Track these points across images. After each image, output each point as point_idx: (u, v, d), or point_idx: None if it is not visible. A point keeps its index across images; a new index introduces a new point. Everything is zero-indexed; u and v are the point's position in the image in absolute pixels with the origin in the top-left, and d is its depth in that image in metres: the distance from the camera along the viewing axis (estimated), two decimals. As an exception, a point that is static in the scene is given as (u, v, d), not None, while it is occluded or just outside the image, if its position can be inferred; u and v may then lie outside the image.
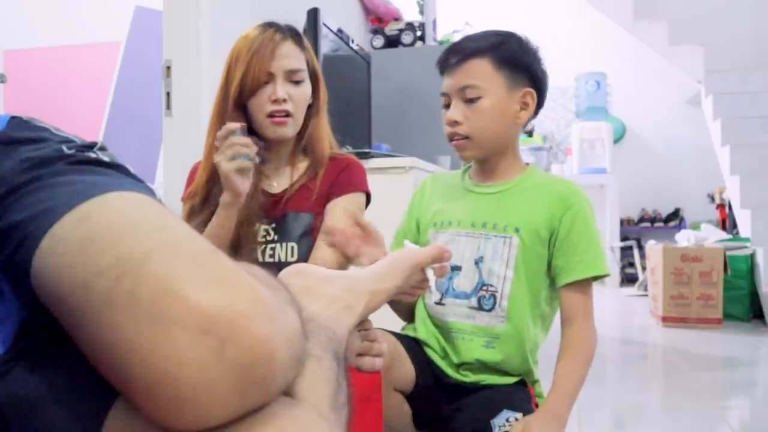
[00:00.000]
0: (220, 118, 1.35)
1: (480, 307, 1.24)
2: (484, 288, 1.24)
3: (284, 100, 1.32)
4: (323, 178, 1.39)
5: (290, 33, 1.37)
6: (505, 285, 1.23)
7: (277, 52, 1.32)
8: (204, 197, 1.36)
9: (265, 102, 1.32)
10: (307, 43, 1.41)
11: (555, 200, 1.25)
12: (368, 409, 1.04)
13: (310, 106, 1.40)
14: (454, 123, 1.25)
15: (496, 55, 1.23)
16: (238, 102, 1.33)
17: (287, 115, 1.33)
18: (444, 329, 1.28)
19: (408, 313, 1.38)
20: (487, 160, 1.30)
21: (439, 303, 1.28)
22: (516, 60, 1.24)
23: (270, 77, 1.32)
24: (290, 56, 1.34)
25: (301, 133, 1.40)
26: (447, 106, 1.28)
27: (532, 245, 1.23)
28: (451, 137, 1.27)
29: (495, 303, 1.23)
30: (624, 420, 2.05)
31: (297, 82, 1.35)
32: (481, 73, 1.22)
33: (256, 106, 1.33)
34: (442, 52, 1.29)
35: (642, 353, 3.09)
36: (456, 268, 1.26)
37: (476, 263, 1.25)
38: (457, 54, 1.25)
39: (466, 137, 1.25)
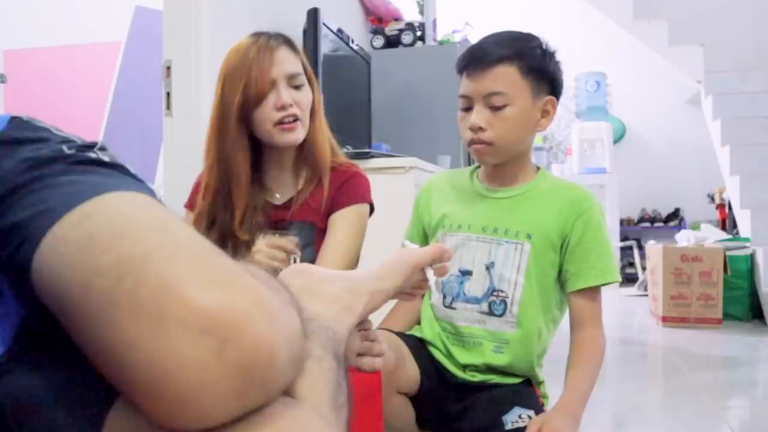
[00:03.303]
0: (221, 135, 1.33)
1: (491, 312, 1.24)
2: (495, 293, 1.24)
3: (291, 105, 1.30)
4: (327, 190, 1.37)
5: (282, 39, 1.35)
6: (516, 291, 1.23)
7: (274, 58, 1.30)
8: (209, 223, 1.36)
9: (271, 110, 1.30)
10: (298, 47, 1.40)
11: (567, 205, 1.24)
12: (368, 409, 1.04)
13: None
14: (478, 129, 1.21)
15: (523, 62, 1.20)
16: (241, 116, 1.30)
17: (295, 119, 1.32)
18: (453, 333, 1.27)
19: (413, 322, 1.38)
20: (503, 164, 1.28)
21: (449, 306, 1.28)
22: (542, 69, 1.22)
23: (272, 85, 1.30)
24: (288, 60, 1.33)
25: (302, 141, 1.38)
26: (465, 108, 1.24)
27: (544, 251, 1.23)
28: (472, 142, 1.23)
29: (506, 309, 1.23)
30: (624, 420, 2.05)
31: (298, 87, 1.33)
32: (509, 80, 1.19)
33: (261, 117, 1.30)
34: (464, 52, 1.25)
35: (642, 353, 3.08)
36: (467, 273, 1.26)
37: (487, 268, 1.25)
38: (483, 58, 1.21)
39: (489, 143, 1.22)
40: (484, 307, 1.24)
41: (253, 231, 1.33)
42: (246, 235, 1.31)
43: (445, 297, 1.28)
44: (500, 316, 1.24)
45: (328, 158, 1.40)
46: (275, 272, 1.20)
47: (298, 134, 1.34)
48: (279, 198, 1.40)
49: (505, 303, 1.23)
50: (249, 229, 1.33)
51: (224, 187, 1.34)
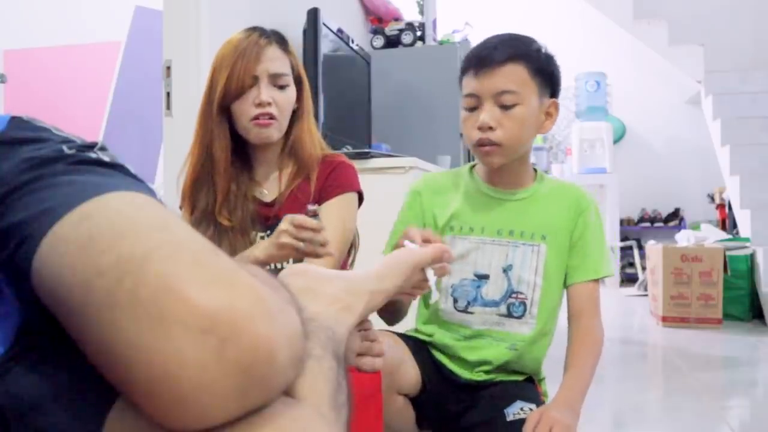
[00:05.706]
0: (204, 123, 1.35)
1: (509, 314, 1.25)
2: (514, 295, 1.25)
3: (269, 104, 1.31)
4: (314, 182, 1.38)
5: (275, 37, 1.36)
6: (535, 292, 1.25)
7: (262, 55, 1.32)
8: (192, 205, 1.37)
9: (249, 105, 1.31)
10: (291, 47, 1.40)
11: (572, 205, 1.28)
12: (368, 409, 1.04)
13: (294, 111, 1.39)
14: (488, 129, 1.18)
15: (531, 62, 1.19)
16: (222, 105, 1.33)
17: (271, 118, 1.32)
18: (469, 336, 1.27)
19: (394, 317, 1.35)
20: (506, 166, 1.25)
21: (464, 311, 1.27)
22: (547, 70, 1.22)
23: (254, 81, 1.31)
24: (275, 59, 1.34)
25: (286, 138, 1.40)
26: (471, 108, 1.21)
27: (558, 251, 1.25)
28: (480, 143, 1.20)
29: (525, 310, 1.25)
30: (624, 420, 2.05)
31: (281, 87, 1.34)
32: (519, 79, 1.18)
33: (239, 110, 1.32)
34: (470, 51, 1.22)
35: (642, 353, 3.08)
36: (483, 277, 1.26)
37: (504, 271, 1.25)
38: (492, 55, 1.18)
39: (497, 144, 1.19)
40: (503, 309, 1.25)
41: (243, 227, 1.34)
42: (227, 220, 1.33)
43: (456, 301, 1.27)
44: (519, 317, 1.25)
45: (316, 156, 1.40)
46: (297, 255, 1.19)
47: (271, 133, 1.34)
48: (267, 194, 1.41)
49: (525, 305, 1.25)
50: (238, 216, 1.34)
51: (205, 171, 1.36)
